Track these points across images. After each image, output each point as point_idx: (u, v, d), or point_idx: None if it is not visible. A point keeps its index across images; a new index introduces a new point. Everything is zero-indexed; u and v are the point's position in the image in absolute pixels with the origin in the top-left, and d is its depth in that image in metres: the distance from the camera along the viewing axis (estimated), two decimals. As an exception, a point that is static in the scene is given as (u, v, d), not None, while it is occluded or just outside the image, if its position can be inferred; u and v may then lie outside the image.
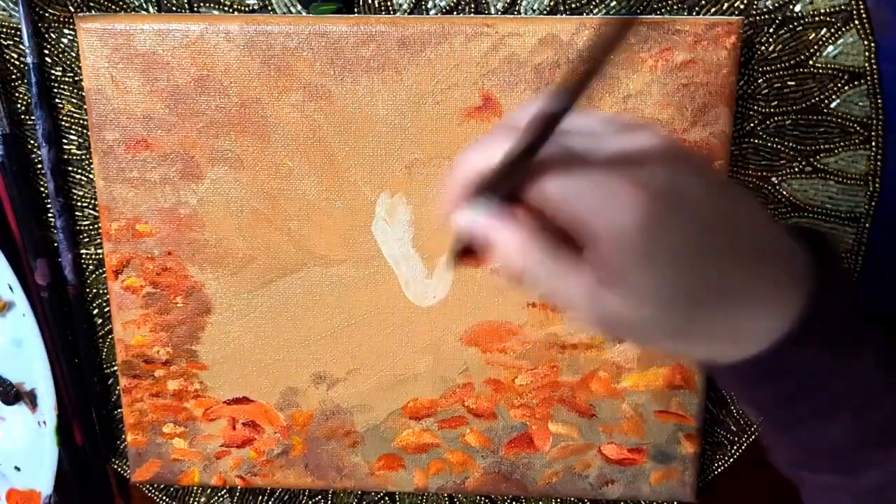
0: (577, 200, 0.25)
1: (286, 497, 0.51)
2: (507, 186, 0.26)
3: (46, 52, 0.43)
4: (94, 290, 0.47)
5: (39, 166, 0.45)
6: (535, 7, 0.42)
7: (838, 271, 0.29)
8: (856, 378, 0.27)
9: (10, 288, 0.45)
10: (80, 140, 0.45)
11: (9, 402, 0.47)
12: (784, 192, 0.44)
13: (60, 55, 0.43)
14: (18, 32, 0.43)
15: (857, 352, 0.28)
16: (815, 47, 0.41)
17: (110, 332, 0.47)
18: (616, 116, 0.27)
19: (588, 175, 0.25)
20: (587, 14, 0.42)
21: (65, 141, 0.45)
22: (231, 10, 0.42)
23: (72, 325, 0.47)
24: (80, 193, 0.46)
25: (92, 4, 0.43)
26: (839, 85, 0.42)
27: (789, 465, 0.30)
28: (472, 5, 0.42)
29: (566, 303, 0.27)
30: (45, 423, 0.47)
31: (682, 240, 0.25)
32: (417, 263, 0.44)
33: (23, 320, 0.45)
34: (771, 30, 0.41)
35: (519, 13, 0.42)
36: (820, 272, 0.27)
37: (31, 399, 0.47)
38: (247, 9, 0.42)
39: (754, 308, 0.26)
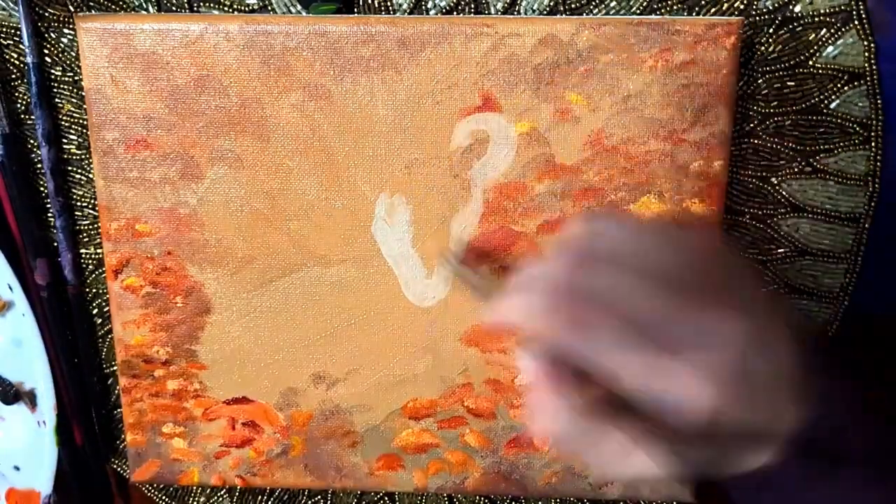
0: (643, 385, 0.25)
1: (285, 497, 0.51)
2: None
3: (46, 51, 0.43)
4: (94, 290, 0.47)
5: (39, 166, 0.45)
6: (535, 7, 0.42)
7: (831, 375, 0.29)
8: (835, 486, 0.28)
9: (10, 288, 0.45)
10: (79, 140, 0.45)
11: (8, 402, 0.47)
12: (784, 193, 0.44)
13: (60, 55, 0.43)
14: (18, 32, 0.43)
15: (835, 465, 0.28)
16: (815, 48, 0.41)
17: (110, 331, 0.47)
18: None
19: (656, 360, 0.25)
20: (587, 14, 0.42)
21: (64, 141, 0.45)
22: (231, 10, 0.42)
23: (71, 325, 0.47)
24: (80, 193, 0.46)
25: (92, 4, 0.43)
26: (839, 85, 0.42)
27: None
28: (472, 5, 0.42)
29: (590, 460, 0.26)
30: (44, 422, 0.47)
31: (741, 408, 0.25)
32: (417, 263, 0.44)
33: (22, 320, 0.45)
34: (771, 30, 0.41)
35: (519, 13, 0.42)
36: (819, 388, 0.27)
37: (30, 399, 0.47)
38: (247, 9, 0.42)
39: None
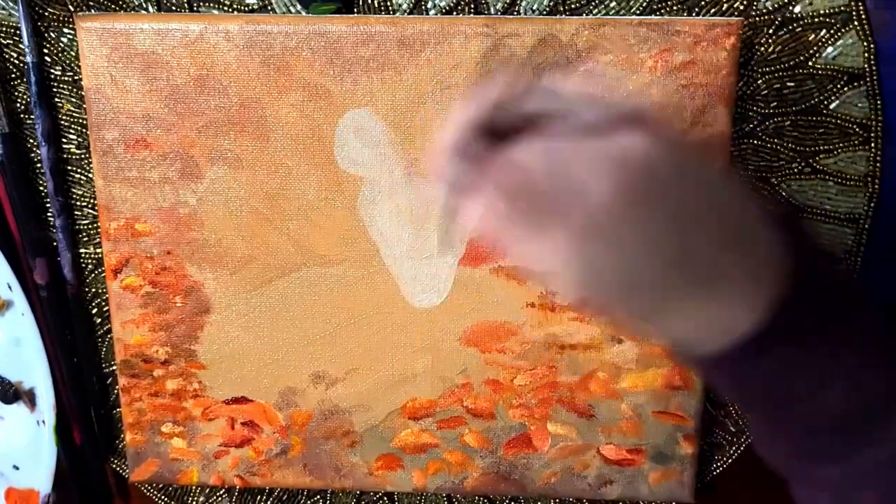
0: (552, 169, 0.25)
1: (285, 497, 0.51)
2: (481, 151, 0.27)
3: (46, 51, 0.43)
4: (94, 290, 0.47)
5: (39, 165, 0.45)
6: (534, 7, 0.42)
7: (816, 254, 0.28)
8: (852, 342, 0.27)
9: (10, 287, 0.45)
10: (79, 139, 0.45)
11: (8, 402, 0.47)
12: (783, 193, 0.44)
13: (60, 54, 0.43)
14: (18, 31, 0.43)
15: (850, 321, 0.27)
16: (815, 48, 0.41)
17: (109, 331, 0.47)
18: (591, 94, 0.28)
19: (564, 144, 0.25)
20: (587, 14, 0.42)
21: (64, 140, 0.45)
22: (231, 10, 0.42)
23: (71, 325, 0.47)
24: (80, 193, 0.46)
25: (91, 4, 0.43)
26: (838, 86, 0.42)
27: (787, 460, 0.29)
28: (472, 5, 0.42)
29: (535, 266, 0.27)
30: (43, 422, 0.47)
31: (652, 217, 0.25)
32: (417, 263, 0.44)
33: (22, 319, 0.45)
34: (770, 31, 0.41)
35: (518, 13, 0.42)
36: (797, 258, 0.26)
37: (29, 398, 0.47)
38: (247, 9, 0.42)
39: (727, 294, 0.26)
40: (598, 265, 0.26)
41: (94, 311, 0.48)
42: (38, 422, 0.47)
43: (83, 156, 0.45)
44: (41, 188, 0.46)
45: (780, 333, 0.26)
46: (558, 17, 0.41)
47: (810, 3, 0.41)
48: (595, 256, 0.25)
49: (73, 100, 0.44)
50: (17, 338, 0.46)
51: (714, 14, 0.41)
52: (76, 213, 0.46)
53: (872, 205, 0.43)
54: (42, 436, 0.47)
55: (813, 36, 0.41)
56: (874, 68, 0.41)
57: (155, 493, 0.51)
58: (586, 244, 0.25)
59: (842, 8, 0.41)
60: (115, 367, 0.47)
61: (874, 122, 0.42)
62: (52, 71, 0.44)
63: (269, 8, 0.42)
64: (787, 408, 0.28)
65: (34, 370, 0.46)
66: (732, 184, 0.27)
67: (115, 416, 0.49)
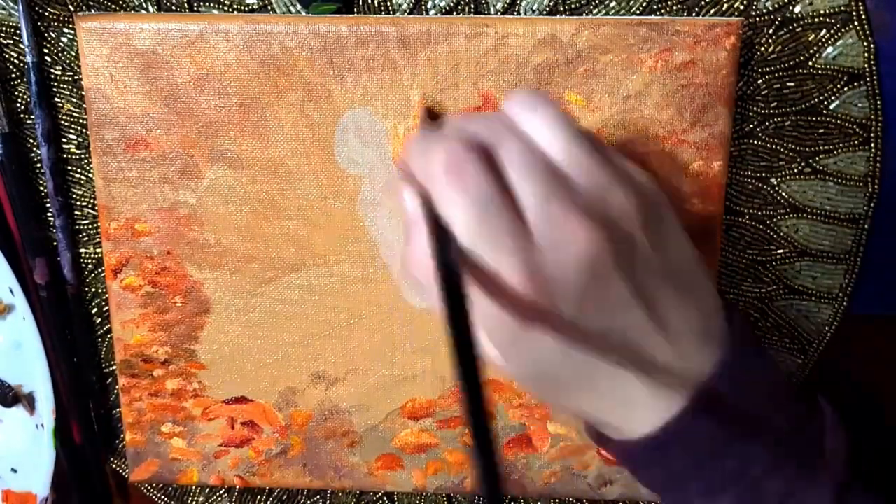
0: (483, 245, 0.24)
1: (284, 497, 0.51)
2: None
3: (46, 50, 0.43)
4: (93, 290, 0.47)
5: (38, 165, 0.45)
6: (534, 7, 0.42)
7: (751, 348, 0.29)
8: (741, 459, 0.27)
9: (11, 291, 0.45)
10: (79, 139, 0.45)
11: (7, 405, 0.47)
12: (783, 194, 0.44)
13: (60, 54, 0.43)
14: (18, 31, 0.43)
15: (761, 423, 0.27)
16: (815, 48, 0.41)
17: (109, 331, 0.47)
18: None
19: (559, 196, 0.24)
20: (587, 14, 0.42)
21: (64, 140, 0.45)
22: (231, 10, 0.42)
23: (70, 325, 0.47)
24: (80, 192, 0.46)
25: (92, 3, 0.43)
26: (839, 86, 0.42)
27: None
28: (472, 5, 0.42)
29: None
30: (42, 425, 0.47)
31: (615, 293, 0.25)
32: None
33: (23, 324, 0.45)
34: (770, 31, 0.41)
35: (518, 13, 0.42)
36: (733, 347, 0.27)
37: (29, 402, 0.47)
38: (247, 8, 0.42)
39: (661, 375, 0.26)
40: (544, 354, 0.25)
41: (94, 311, 0.47)
42: (37, 425, 0.47)
43: (83, 156, 0.45)
44: (41, 188, 0.46)
45: (679, 440, 0.26)
46: (558, 17, 0.41)
47: (810, 3, 0.41)
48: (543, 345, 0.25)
49: (73, 100, 0.44)
50: (17, 341, 0.46)
51: (714, 14, 0.41)
52: (76, 213, 0.46)
53: (872, 205, 0.43)
54: (41, 439, 0.47)
55: (813, 36, 0.41)
56: (874, 68, 0.41)
57: (155, 493, 0.51)
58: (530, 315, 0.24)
59: (842, 8, 0.41)
60: (114, 367, 0.47)
61: (874, 122, 0.42)
62: (52, 71, 0.44)
63: (269, 8, 0.42)
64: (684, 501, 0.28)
65: (34, 374, 0.46)
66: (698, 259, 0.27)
67: (115, 416, 0.49)
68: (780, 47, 0.42)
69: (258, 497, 0.51)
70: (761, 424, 0.27)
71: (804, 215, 0.44)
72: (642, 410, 0.26)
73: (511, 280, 0.24)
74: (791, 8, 0.41)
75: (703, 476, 0.27)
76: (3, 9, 0.43)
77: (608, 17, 0.41)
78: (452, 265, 0.24)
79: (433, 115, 0.29)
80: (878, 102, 0.42)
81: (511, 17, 0.41)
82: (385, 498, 0.50)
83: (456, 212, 0.24)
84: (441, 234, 0.24)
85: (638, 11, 0.41)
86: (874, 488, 0.28)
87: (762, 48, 0.42)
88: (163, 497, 0.51)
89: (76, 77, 0.44)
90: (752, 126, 0.43)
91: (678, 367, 0.26)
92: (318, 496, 0.50)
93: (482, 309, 0.24)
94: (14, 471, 0.48)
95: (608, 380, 0.26)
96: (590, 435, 0.32)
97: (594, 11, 0.42)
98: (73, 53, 0.43)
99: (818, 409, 0.29)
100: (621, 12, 0.42)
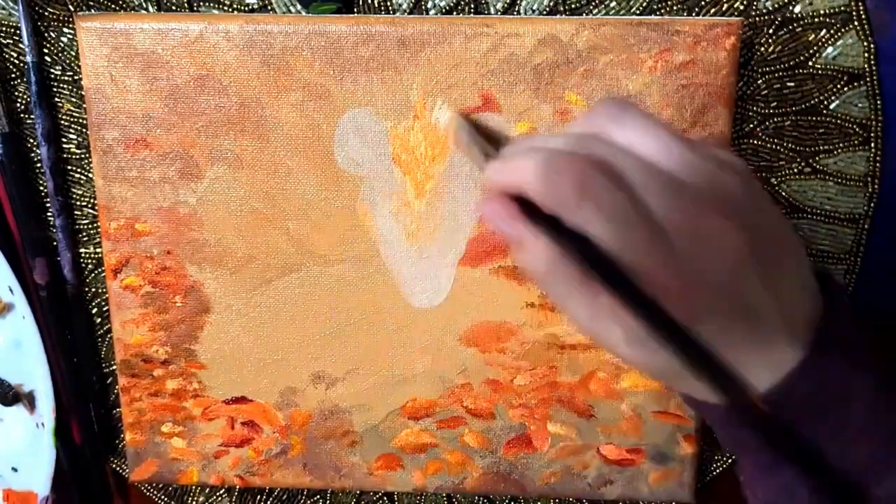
0: (630, 259, 0.25)
1: (284, 497, 0.51)
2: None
3: (46, 50, 0.43)
4: (93, 290, 0.47)
5: (38, 165, 0.45)
6: (534, 7, 0.42)
7: (841, 312, 0.29)
8: (855, 406, 0.27)
9: (11, 290, 0.45)
10: (79, 139, 0.45)
11: (7, 404, 0.47)
12: (783, 194, 0.44)
13: (60, 54, 0.43)
14: (18, 31, 0.43)
15: (856, 378, 0.28)
16: (815, 48, 0.41)
17: (109, 331, 0.47)
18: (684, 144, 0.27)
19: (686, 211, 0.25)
20: (587, 14, 0.42)
21: (64, 140, 0.45)
22: (231, 10, 0.42)
23: (70, 325, 0.47)
24: (80, 192, 0.46)
25: (92, 3, 0.43)
26: (838, 86, 0.42)
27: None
28: (472, 5, 0.42)
29: (578, 323, 0.27)
30: (43, 424, 0.47)
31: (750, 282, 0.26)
32: (416, 263, 0.44)
33: (23, 322, 0.45)
34: (770, 31, 0.41)
35: (518, 13, 0.42)
36: (826, 317, 0.27)
37: (29, 401, 0.47)
38: (247, 8, 0.42)
39: (772, 335, 0.27)
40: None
41: (94, 310, 0.48)
42: (37, 424, 0.47)
43: (83, 156, 0.45)
44: (41, 188, 0.46)
45: (795, 392, 0.27)
46: (558, 17, 0.41)
47: (810, 3, 0.41)
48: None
49: (73, 100, 0.44)
50: (17, 340, 0.46)
51: (714, 14, 0.41)
52: (76, 212, 0.46)
53: (872, 205, 0.43)
54: (41, 438, 0.47)
55: (813, 36, 0.41)
56: (874, 68, 0.41)
57: (155, 493, 0.51)
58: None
59: (842, 8, 0.41)
60: (114, 367, 0.47)
61: (874, 122, 0.42)
62: (52, 70, 0.44)
63: (269, 8, 0.42)
64: (773, 471, 0.29)
65: (34, 373, 0.46)
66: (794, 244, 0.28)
67: (115, 416, 0.49)
68: (780, 47, 0.42)
69: (258, 497, 0.51)
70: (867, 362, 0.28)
71: (804, 215, 0.44)
72: (760, 369, 0.27)
73: (666, 284, 0.25)
74: (791, 8, 0.41)
75: (827, 420, 0.27)
76: (3, 9, 0.43)
77: (608, 17, 0.41)
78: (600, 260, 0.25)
79: (473, 125, 0.29)
80: (878, 102, 0.42)
81: (511, 17, 0.41)
82: (385, 498, 0.50)
83: (597, 229, 0.25)
84: (581, 245, 0.25)
85: (638, 11, 0.41)
86: None
87: (762, 48, 0.42)
88: (163, 497, 0.51)
89: (76, 77, 0.44)
90: (752, 126, 0.43)
91: (788, 324, 0.27)
92: (318, 496, 0.50)
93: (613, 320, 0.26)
94: (15, 469, 0.49)
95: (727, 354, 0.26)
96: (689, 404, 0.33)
97: (594, 11, 0.42)
98: (73, 53, 0.43)
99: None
100: (621, 12, 0.42)
